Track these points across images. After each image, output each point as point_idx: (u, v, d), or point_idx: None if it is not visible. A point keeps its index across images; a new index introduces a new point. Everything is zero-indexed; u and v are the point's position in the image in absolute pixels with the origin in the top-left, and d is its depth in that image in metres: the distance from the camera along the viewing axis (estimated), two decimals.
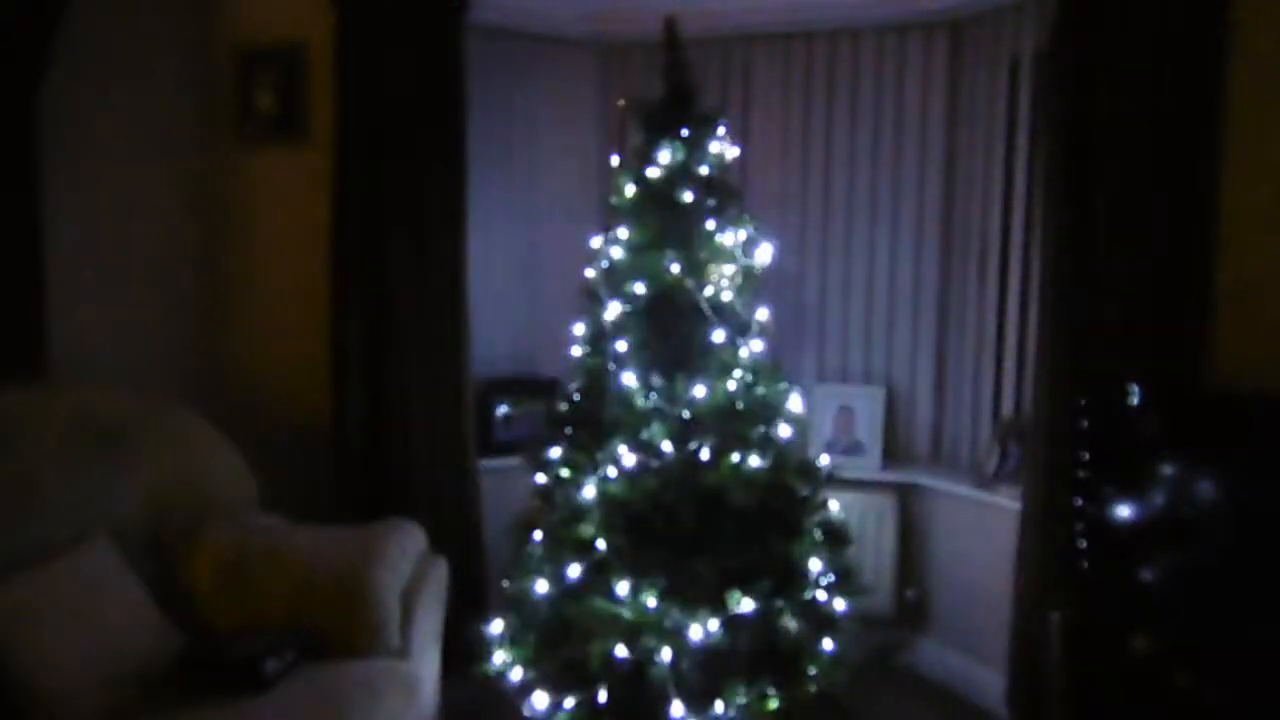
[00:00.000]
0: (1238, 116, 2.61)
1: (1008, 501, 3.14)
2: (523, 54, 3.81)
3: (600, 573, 2.57)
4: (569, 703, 2.58)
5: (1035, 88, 3.33)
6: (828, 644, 2.67)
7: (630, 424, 2.63)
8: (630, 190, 2.80)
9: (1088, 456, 2.57)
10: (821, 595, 2.69)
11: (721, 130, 2.83)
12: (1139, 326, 2.68)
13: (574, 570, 2.61)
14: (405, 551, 2.73)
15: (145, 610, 2.48)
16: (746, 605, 2.49)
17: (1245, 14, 2.58)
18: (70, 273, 3.12)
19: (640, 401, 2.64)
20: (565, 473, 2.72)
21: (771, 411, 2.73)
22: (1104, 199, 2.71)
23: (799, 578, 2.65)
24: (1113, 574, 2.53)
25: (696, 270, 2.71)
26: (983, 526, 3.34)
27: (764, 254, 2.79)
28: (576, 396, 2.86)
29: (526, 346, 3.88)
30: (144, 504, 2.69)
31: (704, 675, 2.49)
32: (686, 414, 2.64)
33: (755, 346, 2.77)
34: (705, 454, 2.62)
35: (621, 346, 2.70)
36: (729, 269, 2.74)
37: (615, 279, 2.78)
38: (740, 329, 2.75)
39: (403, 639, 2.60)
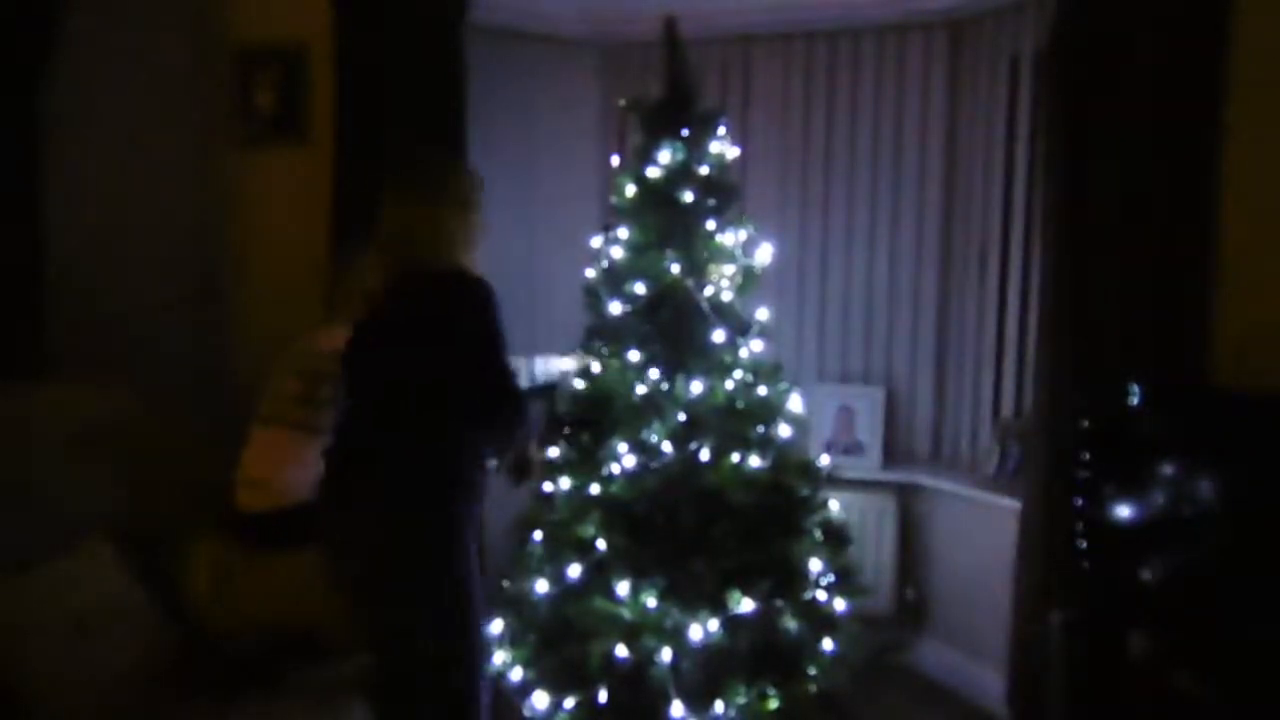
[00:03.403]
0: (1238, 116, 2.60)
1: (1008, 501, 3.13)
2: (523, 54, 3.80)
3: (600, 573, 2.57)
4: (569, 703, 2.58)
5: (1035, 88, 3.33)
6: (828, 644, 2.67)
7: (630, 424, 2.63)
8: (630, 190, 2.80)
9: (1088, 456, 2.57)
10: (821, 595, 2.69)
11: (721, 130, 2.83)
12: (1139, 326, 2.67)
13: (574, 570, 2.61)
14: None
15: (144, 611, 2.47)
16: (746, 605, 2.50)
17: (1246, 14, 2.58)
18: (70, 272, 3.11)
19: (640, 401, 2.64)
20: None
21: (771, 411, 2.73)
22: (1103, 198, 2.71)
23: (799, 578, 2.64)
24: (1113, 574, 2.53)
25: (697, 270, 2.71)
26: (983, 526, 3.34)
27: (764, 254, 2.80)
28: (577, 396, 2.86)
29: (526, 346, 3.88)
30: (143, 505, 2.68)
31: (704, 675, 2.50)
32: (686, 414, 2.64)
33: (755, 346, 2.77)
34: (705, 454, 2.62)
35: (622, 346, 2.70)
36: (729, 269, 2.74)
37: (615, 279, 2.78)
38: (740, 329, 2.75)
39: None
